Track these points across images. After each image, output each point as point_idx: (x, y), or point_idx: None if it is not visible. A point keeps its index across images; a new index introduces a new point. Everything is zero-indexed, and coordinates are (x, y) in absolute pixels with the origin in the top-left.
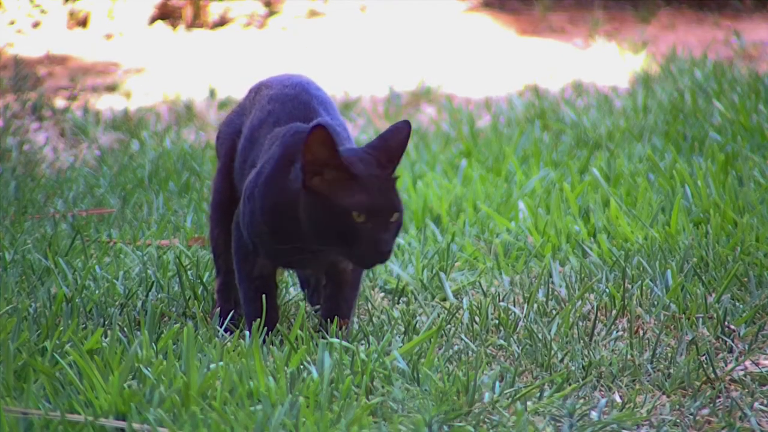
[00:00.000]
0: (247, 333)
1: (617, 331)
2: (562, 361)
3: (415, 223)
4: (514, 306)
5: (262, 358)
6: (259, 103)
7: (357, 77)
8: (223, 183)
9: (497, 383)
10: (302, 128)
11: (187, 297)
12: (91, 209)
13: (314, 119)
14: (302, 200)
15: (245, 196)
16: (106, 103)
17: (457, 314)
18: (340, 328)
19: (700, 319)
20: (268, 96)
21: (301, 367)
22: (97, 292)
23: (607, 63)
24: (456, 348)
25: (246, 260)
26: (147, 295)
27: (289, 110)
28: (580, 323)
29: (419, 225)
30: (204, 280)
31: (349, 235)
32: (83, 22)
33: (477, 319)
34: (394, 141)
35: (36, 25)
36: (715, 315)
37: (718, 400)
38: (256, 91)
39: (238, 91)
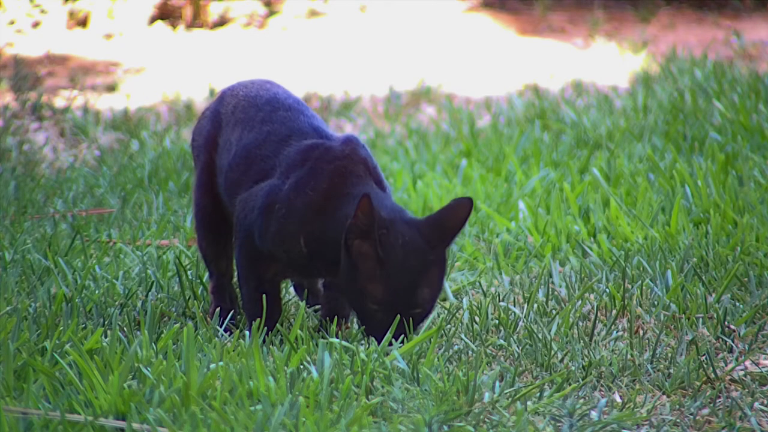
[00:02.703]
0: (247, 333)
1: (617, 331)
2: (562, 361)
3: None
4: (514, 306)
5: (262, 358)
6: (249, 123)
7: (357, 77)
8: (204, 197)
9: (497, 383)
10: (337, 152)
11: (187, 297)
12: (91, 209)
13: (319, 134)
14: (342, 250)
15: (274, 212)
16: (106, 103)
17: (457, 314)
18: (340, 329)
19: (700, 319)
20: (260, 119)
21: (301, 366)
22: (97, 292)
23: (607, 63)
24: (456, 348)
25: (256, 264)
26: (147, 295)
27: (290, 128)
28: (580, 323)
29: None
30: (204, 280)
31: (362, 309)
32: (83, 22)
33: (477, 319)
34: (451, 219)
35: (36, 25)
36: (715, 315)
37: (718, 400)
38: (234, 105)
39: None
